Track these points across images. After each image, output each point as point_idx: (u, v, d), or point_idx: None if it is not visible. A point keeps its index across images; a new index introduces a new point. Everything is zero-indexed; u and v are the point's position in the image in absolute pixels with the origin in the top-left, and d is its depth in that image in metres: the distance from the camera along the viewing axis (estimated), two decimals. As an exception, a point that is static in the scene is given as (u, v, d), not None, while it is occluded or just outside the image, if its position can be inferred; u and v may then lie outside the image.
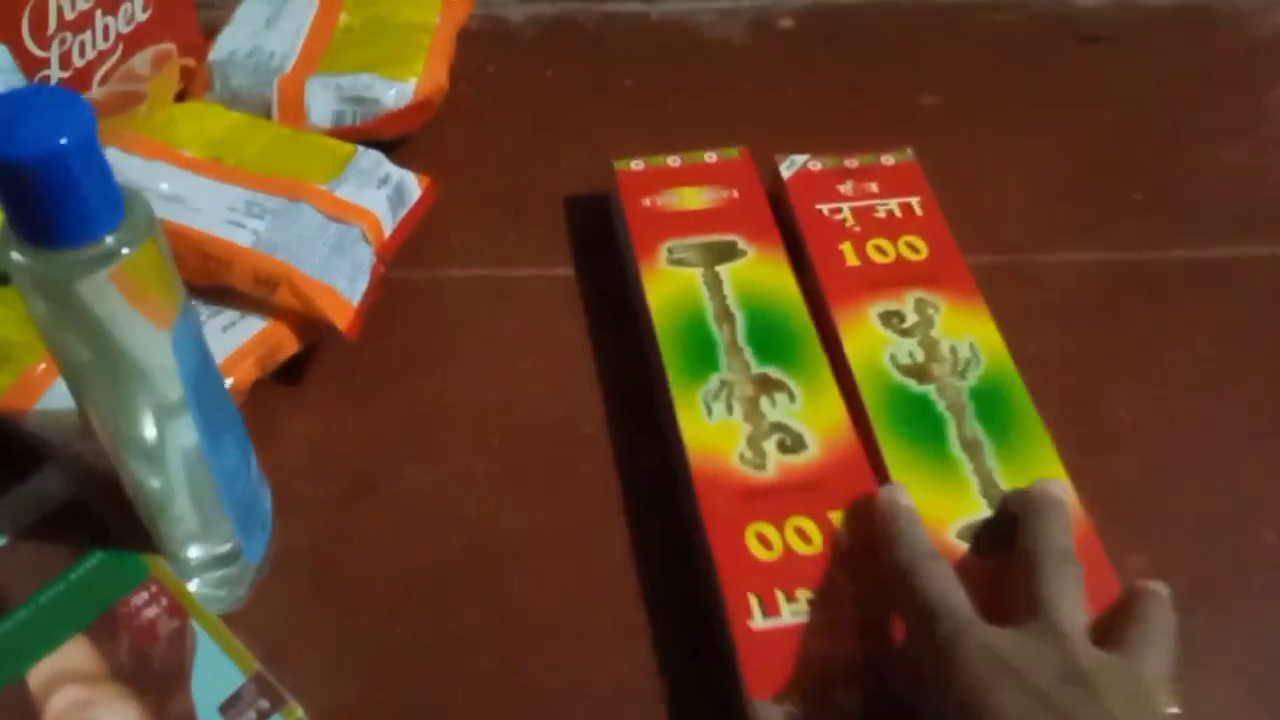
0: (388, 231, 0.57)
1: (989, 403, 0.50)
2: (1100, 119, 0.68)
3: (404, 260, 0.58)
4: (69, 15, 0.57)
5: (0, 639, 0.41)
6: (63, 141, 0.31)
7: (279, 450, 0.52)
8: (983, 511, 0.46)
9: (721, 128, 0.65)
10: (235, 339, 0.51)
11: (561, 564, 0.48)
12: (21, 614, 0.42)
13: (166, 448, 0.39)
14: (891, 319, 0.53)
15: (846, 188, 0.59)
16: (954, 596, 0.40)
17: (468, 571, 0.48)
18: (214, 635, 0.41)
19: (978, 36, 0.74)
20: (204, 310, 0.52)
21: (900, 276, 0.55)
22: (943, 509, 0.46)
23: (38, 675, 0.40)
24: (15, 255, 0.33)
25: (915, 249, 0.56)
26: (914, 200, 0.59)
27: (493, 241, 0.62)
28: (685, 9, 0.77)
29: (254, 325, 0.52)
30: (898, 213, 0.58)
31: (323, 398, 0.54)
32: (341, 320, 0.52)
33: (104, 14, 0.59)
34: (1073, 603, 0.40)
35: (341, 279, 0.53)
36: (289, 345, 0.53)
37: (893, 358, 0.51)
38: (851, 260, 0.56)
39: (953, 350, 0.52)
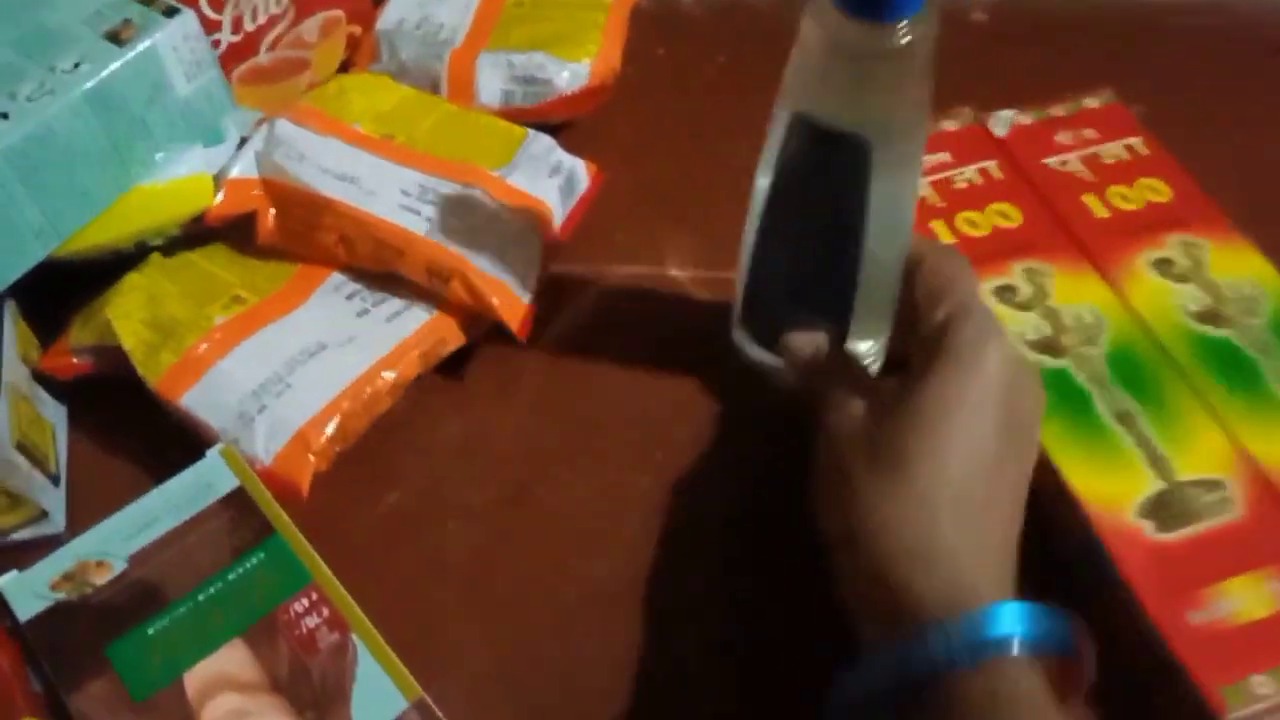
0: (558, 224, 0.54)
1: None
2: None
3: (565, 253, 0.55)
4: (245, -23, 0.55)
5: (158, 635, 0.40)
6: None
7: (435, 451, 0.50)
8: None
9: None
10: (400, 330, 0.49)
11: (730, 602, 0.45)
12: (180, 610, 0.40)
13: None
14: (1164, 266, 0.51)
15: (1065, 138, 0.57)
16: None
17: (627, 594, 0.46)
18: (376, 653, 0.39)
19: (1184, 39, 0.68)
20: (369, 298, 0.50)
21: (1154, 221, 0.53)
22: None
23: (194, 678, 0.39)
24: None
25: (1157, 191, 0.54)
26: (1135, 141, 0.57)
27: (658, 238, 0.59)
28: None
29: (419, 317, 0.50)
30: (1125, 156, 0.56)
31: (480, 396, 0.52)
32: (513, 319, 0.49)
33: (279, -23, 0.57)
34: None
35: (513, 275, 0.50)
36: (454, 340, 0.50)
37: (1183, 306, 0.49)
38: (1100, 212, 0.53)
39: (1235, 290, 0.50)
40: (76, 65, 0.44)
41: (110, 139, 0.45)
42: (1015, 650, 0.34)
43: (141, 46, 0.44)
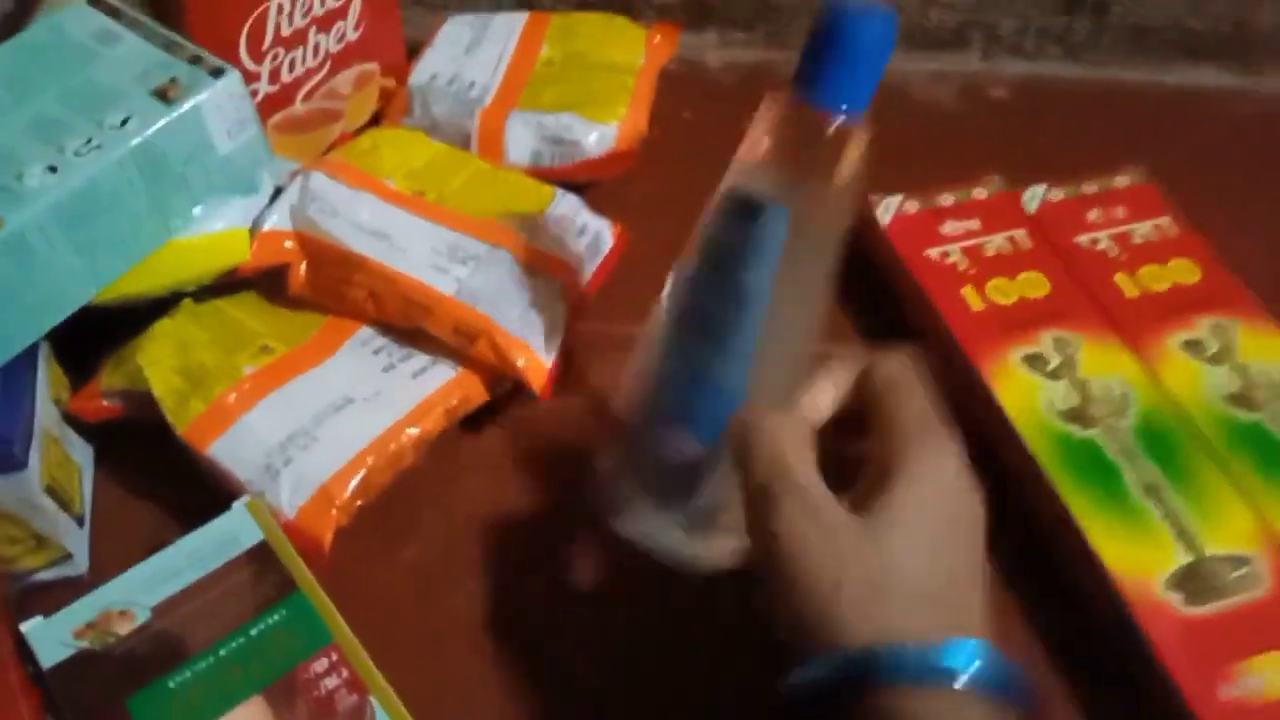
0: (582, 286, 0.54)
1: None
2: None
3: (589, 313, 0.56)
4: (285, 31, 0.56)
5: (178, 688, 0.40)
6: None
7: (454, 507, 0.50)
8: None
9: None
10: (425, 387, 0.50)
11: (758, 655, 0.46)
12: (201, 664, 0.40)
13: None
14: (1194, 348, 0.51)
15: (1095, 215, 0.58)
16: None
17: (648, 658, 0.46)
18: (394, 717, 0.39)
19: (1210, 125, 0.69)
20: (396, 353, 0.51)
21: (1184, 302, 0.53)
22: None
23: (214, 735, 0.39)
24: None
25: (1187, 272, 0.55)
26: (1163, 221, 0.58)
27: (682, 300, 0.59)
28: (894, 68, 0.72)
29: (444, 374, 0.50)
30: (1154, 236, 0.57)
31: (500, 454, 0.52)
32: (536, 381, 0.50)
33: (317, 31, 0.58)
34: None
35: (537, 336, 0.51)
36: (477, 397, 0.51)
37: (1214, 388, 0.50)
38: (1130, 292, 0.54)
39: (1265, 374, 0.50)
40: (124, 122, 0.44)
41: (151, 194, 0.46)
42: (961, 683, 0.33)
43: (187, 106, 0.45)
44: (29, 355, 0.45)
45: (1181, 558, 0.44)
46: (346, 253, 0.51)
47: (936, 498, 0.36)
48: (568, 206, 0.57)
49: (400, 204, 0.54)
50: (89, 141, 0.44)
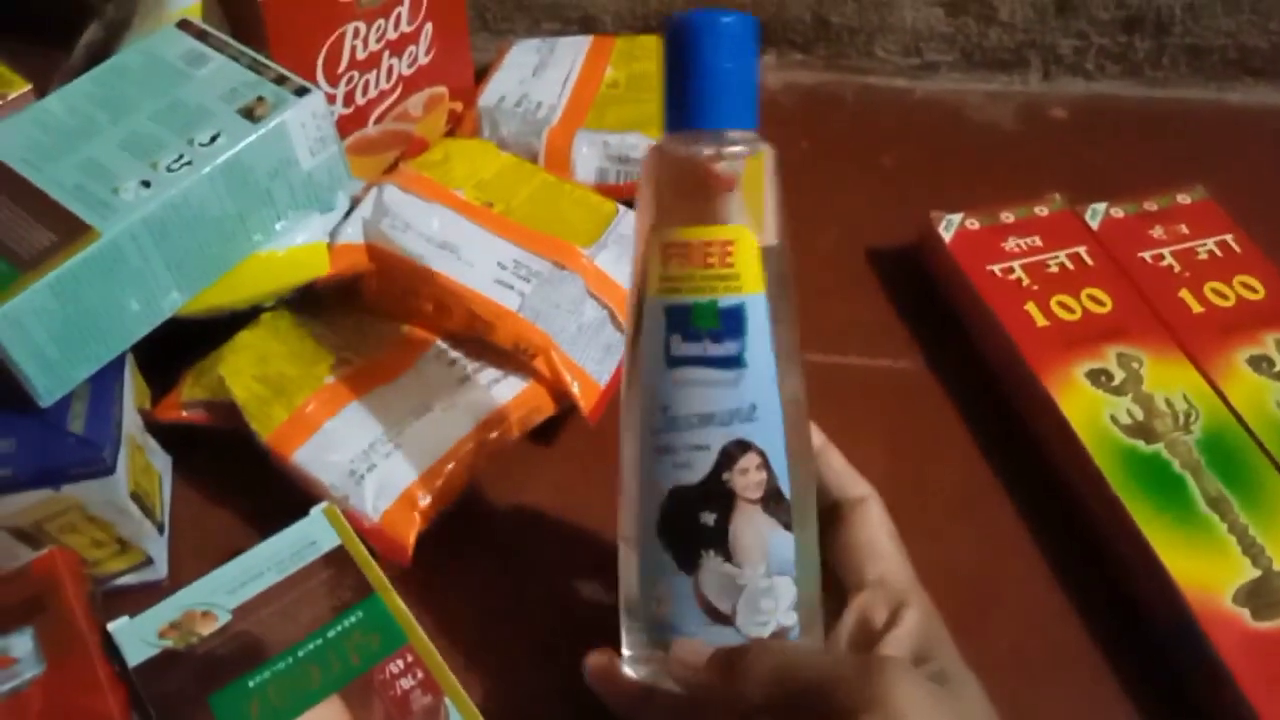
0: (642, 307, 0.55)
1: None
2: None
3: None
4: (360, 55, 0.58)
5: (258, 687, 0.41)
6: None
7: (525, 514, 0.51)
8: None
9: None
10: (500, 396, 0.51)
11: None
12: (280, 665, 0.41)
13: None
14: (1260, 364, 0.51)
15: (1158, 233, 0.58)
16: None
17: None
18: (467, 718, 0.40)
19: (1272, 143, 0.69)
20: (469, 365, 0.52)
21: (1249, 319, 0.54)
22: None
23: (293, 733, 0.40)
24: None
25: (1252, 288, 0.55)
26: (1228, 238, 0.58)
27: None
28: (951, 88, 0.74)
29: (517, 385, 0.52)
30: (1219, 253, 0.57)
31: (570, 462, 0.53)
32: (587, 402, 0.51)
33: (390, 55, 0.60)
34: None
35: (591, 360, 0.52)
36: (546, 408, 0.52)
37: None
38: (1195, 308, 0.54)
39: None
40: (213, 139, 0.46)
41: (238, 208, 0.47)
42: None
43: (273, 123, 0.47)
44: (117, 364, 0.47)
45: (1249, 572, 0.44)
46: (415, 266, 0.52)
47: None
48: (630, 226, 0.57)
49: (469, 215, 0.55)
50: (180, 158, 0.46)
